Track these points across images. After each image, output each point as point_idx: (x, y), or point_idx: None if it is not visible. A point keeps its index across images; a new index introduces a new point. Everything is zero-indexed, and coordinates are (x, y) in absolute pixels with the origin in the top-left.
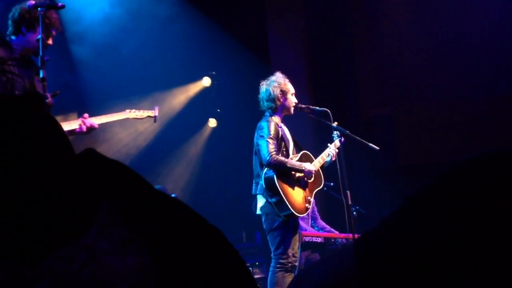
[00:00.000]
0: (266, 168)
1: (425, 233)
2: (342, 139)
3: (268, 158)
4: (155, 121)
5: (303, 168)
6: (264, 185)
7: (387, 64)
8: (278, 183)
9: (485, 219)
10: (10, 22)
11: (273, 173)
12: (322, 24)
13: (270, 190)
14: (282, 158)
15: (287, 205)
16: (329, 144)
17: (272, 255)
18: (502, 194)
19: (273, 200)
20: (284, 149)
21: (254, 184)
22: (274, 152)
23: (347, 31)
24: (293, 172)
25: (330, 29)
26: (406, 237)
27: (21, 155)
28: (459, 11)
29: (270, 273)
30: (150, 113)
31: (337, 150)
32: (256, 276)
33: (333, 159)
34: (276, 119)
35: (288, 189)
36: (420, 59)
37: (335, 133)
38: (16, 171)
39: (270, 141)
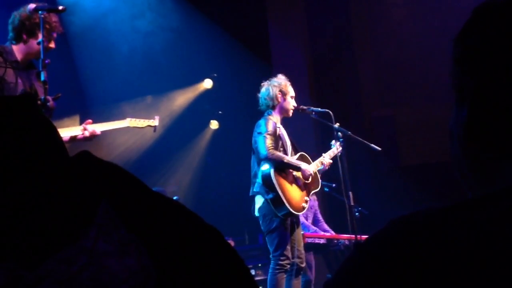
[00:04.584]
0: (263, 165)
1: None
2: (338, 146)
3: (265, 152)
4: (155, 130)
5: (300, 166)
6: (261, 182)
7: (389, 65)
8: (275, 178)
9: None
10: (10, 28)
11: (270, 168)
12: (324, 25)
13: (267, 186)
14: (280, 154)
15: (283, 201)
16: (323, 154)
17: (271, 256)
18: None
19: (270, 196)
20: (281, 148)
21: (252, 185)
22: (272, 147)
23: (349, 32)
24: (290, 170)
25: (332, 30)
26: None
27: (16, 157)
28: (461, 12)
29: (269, 275)
30: (151, 122)
31: (329, 161)
32: (259, 278)
33: (325, 168)
34: (274, 118)
35: (286, 185)
36: (422, 59)
37: (333, 142)
38: (11, 174)
39: (268, 136)
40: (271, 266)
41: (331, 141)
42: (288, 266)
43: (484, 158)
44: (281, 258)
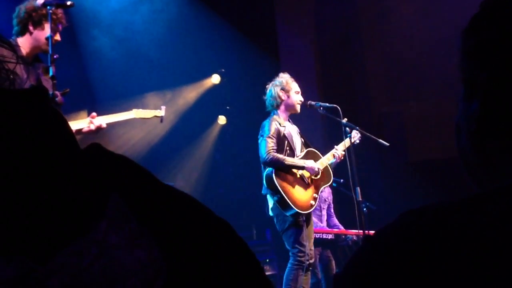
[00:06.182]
0: (265, 167)
1: None
2: (355, 136)
3: (264, 156)
4: (161, 121)
5: (304, 164)
6: (265, 184)
7: (397, 60)
8: (276, 180)
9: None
10: (15, 22)
11: (271, 171)
12: (332, 21)
13: (271, 188)
14: (280, 156)
15: (288, 203)
16: (335, 146)
17: (290, 254)
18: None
19: (275, 198)
20: (287, 147)
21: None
22: (272, 150)
23: (357, 27)
24: (294, 170)
25: (340, 25)
26: None
27: (26, 150)
28: (469, 8)
29: (288, 269)
30: (157, 112)
31: (343, 152)
32: (266, 273)
33: (338, 160)
34: (279, 118)
35: (288, 187)
36: (431, 54)
37: (348, 130)
38: (21, 167)
39: (269, 139)
40: (290, 261)
41: (339, 136)
42: (307, 262)
43: (495, 151)
44: (300, 254)
